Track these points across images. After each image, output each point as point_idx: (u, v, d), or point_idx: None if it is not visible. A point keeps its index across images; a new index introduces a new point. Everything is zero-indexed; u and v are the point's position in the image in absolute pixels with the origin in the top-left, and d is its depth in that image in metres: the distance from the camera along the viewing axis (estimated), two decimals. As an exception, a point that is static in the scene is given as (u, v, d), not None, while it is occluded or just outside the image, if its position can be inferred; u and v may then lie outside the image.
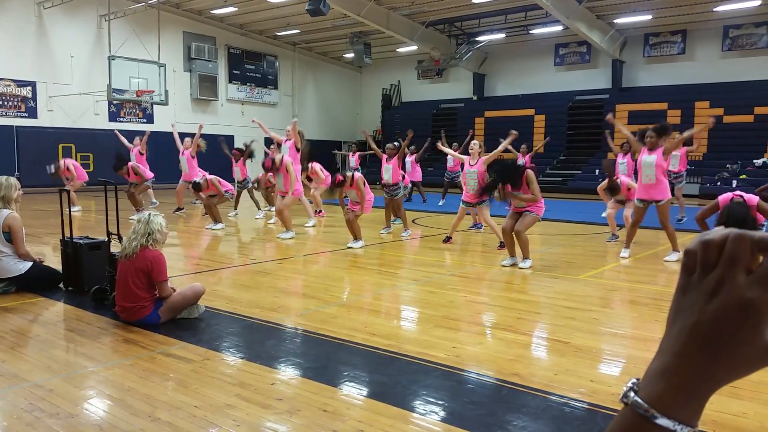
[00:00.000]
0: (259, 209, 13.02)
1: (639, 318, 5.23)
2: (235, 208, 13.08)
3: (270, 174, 10.72)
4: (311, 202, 12.76)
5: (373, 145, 11.43)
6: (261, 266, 7.47)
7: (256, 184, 13.22)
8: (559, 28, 22.25)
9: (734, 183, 17.48)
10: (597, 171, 21.11)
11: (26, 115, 19.41)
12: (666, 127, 7.56)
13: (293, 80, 28.29)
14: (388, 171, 10.12)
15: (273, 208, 13.61)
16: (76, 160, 13.97)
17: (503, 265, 7.36)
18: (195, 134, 12.98)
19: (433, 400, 3.34)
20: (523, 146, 15.11)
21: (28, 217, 9.04)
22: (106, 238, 5.91)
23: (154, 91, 19.24)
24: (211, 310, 5.07)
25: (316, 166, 12.39)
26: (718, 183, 18.18)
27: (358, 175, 8.70)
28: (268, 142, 12.57)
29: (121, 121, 21.59)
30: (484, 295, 6.13)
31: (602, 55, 23.93)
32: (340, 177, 8.62)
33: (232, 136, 24.21)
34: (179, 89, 23.02)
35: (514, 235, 7.20)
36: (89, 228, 10.41)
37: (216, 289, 5.95)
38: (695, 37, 22.36)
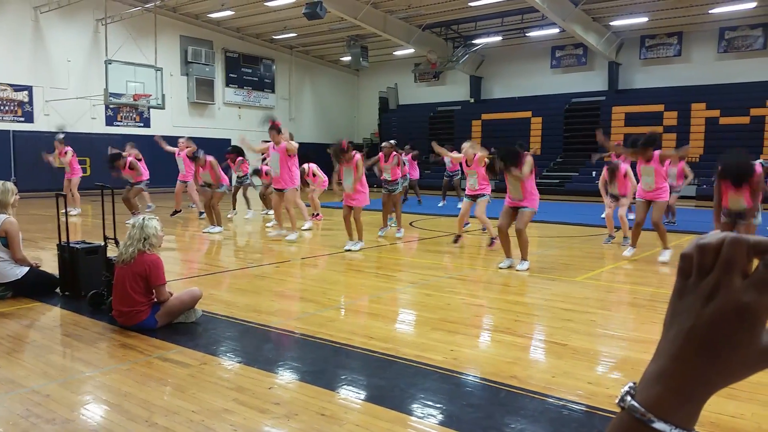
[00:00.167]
0: (249, 208, 13.03)
1: (636, 320, 5.23)
2: (234, 208, 13.09)
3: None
4: (308, 205, 12.78)
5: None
6: (258, 270, 7.46)
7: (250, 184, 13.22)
8: (556, 30, 22.30)
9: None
10: (594, 173, 21.14)
11: (23, 119, 19.37)
12: (653, 139, 7.61)
13: (290, 83, 28.30)
14: (387, 170, 10.17)
15: (270, 211, 13.66)
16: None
17: (500, 268, 7.36)
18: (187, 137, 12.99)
19: (430, 403, 3.33)
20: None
21: (24, 222, 9.02)
22: (102, 243, 5.89)
23: (151, 95, 19.24)
24: (209, 315, 5.06)
25: (313, 167, 12.39)
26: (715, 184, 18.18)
27: (358, 155, 8.69)
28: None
29: (117, 126, 21.57)
30: (481, 298, 6.13)
31: (598, 58, 23.99)
32: (345, 143, 8.68)
33: (229, 140, 24.21)
34: (176, 93, 23.01)
35: (516, 234, 7.21)
36: (86, 232, 10.40)
37: (213, 293, 5.94)
38: (691, 39, 22.44)
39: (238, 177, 13.08)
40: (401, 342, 4.47)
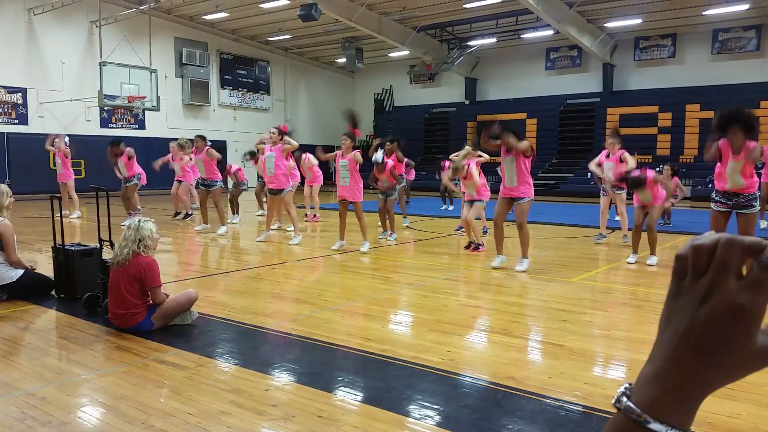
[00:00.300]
0: (236, 213, 13.03)
1: (632, 320, 5.25)
2: (237, 213, 13.05)
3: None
4: (312, 207, 12.80)
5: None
6: (254, 272, 7.45)
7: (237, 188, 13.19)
8: (550, 32, 22.37)
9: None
10: (589, 174, 21.17)
11: (17, 121, 19.31)
12: (640, 181, 7.55)
13: (285, 85, 28.29)
14: (384, 178, 10.14)
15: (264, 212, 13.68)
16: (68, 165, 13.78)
17: (493, 267, 7.39)
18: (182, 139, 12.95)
19: (427, 404, 3.34)
20: None
21: (19, 224, 9.00)
22: (98, 245, 5.88)
23: (145, 97, 19.20)
24: (205, 317, 5.06)
25: (310, 156, 12.34)
26: (710, 185, 18.30)
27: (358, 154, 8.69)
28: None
29: (112, 128, 21.52)
30: (478, 299, 6.14)
31: (593, 59, 24.06)
32: (358, 132, 8.84)
33: (224, 142, 24.19)
34: (171, 95, 22.97)
35: (517, 229, 7.22)
36: (81, 235, 10.37)
37: (209, 295, 5.94)
38: (685, 40, 22.54)
39: (234, 183, 13.06)
40: (398, 343, 4.47)
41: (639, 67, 23.65)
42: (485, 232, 10.26)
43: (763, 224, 10.93)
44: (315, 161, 12.23)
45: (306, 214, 12.66)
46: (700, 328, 0.54)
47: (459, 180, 9.81)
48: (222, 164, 12.21)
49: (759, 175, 8.55)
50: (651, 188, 7.56)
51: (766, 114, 19.87)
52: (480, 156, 10.30)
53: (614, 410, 0.59)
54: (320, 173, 12.69)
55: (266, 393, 3.47)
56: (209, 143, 10.88)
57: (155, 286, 4.65)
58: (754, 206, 6.08)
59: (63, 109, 19.95)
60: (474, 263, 7.93)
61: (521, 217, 7.17)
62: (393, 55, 26.86)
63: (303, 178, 12.64)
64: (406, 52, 25.46)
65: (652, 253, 7.72)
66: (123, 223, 11.24)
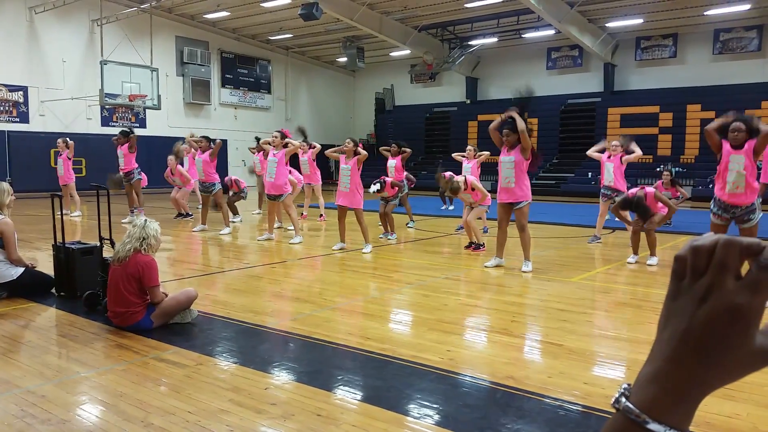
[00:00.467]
0: (236, 214, 13.04)
1: (632, 320, 5.24)
2: (237, 213, 13.06)
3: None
4: (316, 207, 12.82)
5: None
6: (254, 270, 7.45)
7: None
8: (551, 32, 22.36)
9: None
10: (590, 174, 21.20)
11: (18, 120, 19.32)
12: (644, 209, 7.52)
13: (286, 84, 28.28)
14: (385, 193, 10.16)
15: (261, 211, 13.71)
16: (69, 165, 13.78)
17: (486, 266, 7.41)
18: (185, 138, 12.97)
19: (427, 403, 3.34)
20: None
21: (20, 223, 9.00)
22: (98, 243, 5.89)
23: (146, 96, 19.21)
24: (204, 315, 5.06)
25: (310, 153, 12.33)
26: (710, 185, 18.29)
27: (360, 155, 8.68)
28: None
29: (113, 126, 21.50)
30: (477, 299, 6.14)
31: (594, 59, 24.05)
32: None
33: (226, 140, 24.20)
34: (172, 94, 22.97)
35: (519, 232, 7.23)
36: (82, 233, 10.37)
37: (209, 294, 5.94)
38: (686, 40, 22.52)
39: (234, 192, 13.05)
40: (398, 342, 4.47)
41: (640, 67, 23.64)
42: (485, 231, 10.26)
43: None
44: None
45: (321, 215, 12.66)
46: (698, 328, 0.54)
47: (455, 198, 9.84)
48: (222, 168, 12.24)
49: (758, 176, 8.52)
50: (653, 206, 7.55)
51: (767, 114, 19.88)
52: (480, 155, 10.31)
53: (613, 410, 0.59)
54: (318, 171, 12.67)
55: (266, 391, 3.47)
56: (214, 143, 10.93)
57: (153, 285, 4.65)
58: (753, 219, 5.99)
59: (64, 107, 19.96)
60: (474, 263, 7.93)
61: (522, 219, 7.19)
62: (394, 54, 26.86)
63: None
64: (407, 52, 25.45)
65: (652, 253, 7.72)
66: (124, 221, 11.24)
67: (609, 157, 9.48)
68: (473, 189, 8.79)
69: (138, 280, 4.60)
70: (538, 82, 25.55)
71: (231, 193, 12.53)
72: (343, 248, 8.81)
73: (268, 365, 3.95)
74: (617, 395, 0.58)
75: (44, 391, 3.45)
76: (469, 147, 10.61)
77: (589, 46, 22.43)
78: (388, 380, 3.68)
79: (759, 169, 8.52)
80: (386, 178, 10.12)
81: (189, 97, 23.92)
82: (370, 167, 9.97)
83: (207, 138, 11.01)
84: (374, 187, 9.70)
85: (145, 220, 4.79)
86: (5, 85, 18.96)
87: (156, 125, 22.53)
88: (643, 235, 7.74)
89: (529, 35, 23.59)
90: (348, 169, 8.56)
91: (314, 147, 12.22)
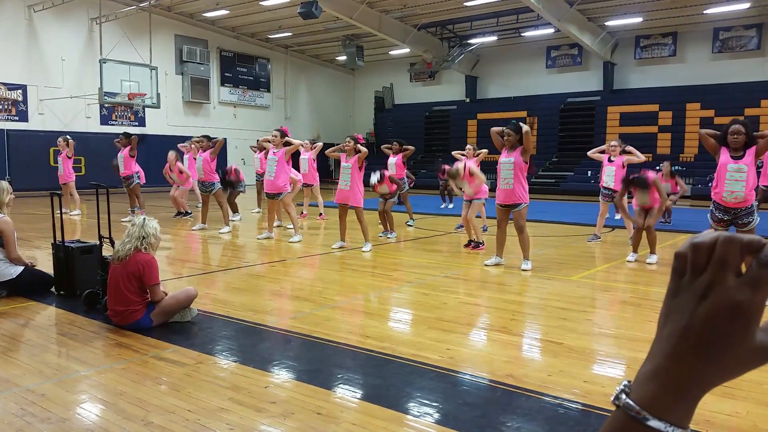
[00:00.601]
0: (236, 212, 13.02)
1: (632, 318, 5.25)
2: (236, 212, 13.05)
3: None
4: (315, 205, 12.81)
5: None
6: (254, 269, 7.45)
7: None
8: (551, 30, 22.34)
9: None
10: (589, 173, 21.20)
11: (17, 118, 19.30)
12: (644, 182, 7.53)
13: (286, 83, 28.27)
14: (383, 188, 10.14)
15: (259, 209, 13.72)
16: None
17: (486, 265, 7.41)
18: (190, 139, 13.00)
19: (427, 402, 3.34)
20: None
21: (19, 221, 8.99)
22: (98, 242, 5.88)
23: (146, 94, 19.18)
24: (204, 314, 5.06)
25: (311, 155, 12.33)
26: (710, 184, 18.26)
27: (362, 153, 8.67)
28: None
29: (112, 125, 21.51)
30: (477, 297, 6.14)
31: (594, 58, 24.04)
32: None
33: (225, 139, 24.17)
34: (171, 92, 22.96)
35: (517, 233, 7.23)
36: (81, 232, 10.37)
37: (209, 292, 5.94)
38: (686, 39, 22.51)
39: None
40: (397, 341, 4.48)
41: (639, 66, 23.63)
42: (485, 230, 10.27)
43: None
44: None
45: (320, 213, 12.65)
46: (699, 325, 0.54)
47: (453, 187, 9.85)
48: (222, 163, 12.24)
49: (758, 175, 8.52)
50: (651, 191, 7.56)
51: (767, 113, 19.88)
52: (478, 153, 10.31)
53: (613, 408, 0.59)
54: (317, 172, 12.64)
55: (265, 390, 3.47)
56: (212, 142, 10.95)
57: (153, 283, 4.65)
58: (751, 221, 5.97)
59: (63, 106, 19.95)
60: (474, 261, 7.93)
61: (520, 221, 7.18)
62: (393, 53, 26.84)
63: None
64: (407, 50, 25.43)
65: (652, 251, 7.73)
66: (123, 219, 11.23)
67: (609, 159, 9.51)
68: (471, 174, 8.82)
69: (138, 278, 4.60)
70: (538, 80, 25.56)
71: (228, 185, 12.54)
72: (343, 247, 8.81)
73: (268, 364, 3.95)
74: (617, 392, 0.58)
75: (44, 389, 3.45)
76: (468, 146, 10.61)
77: (589, 45, 22.42)
78: (388, 379, 3.68)
79: (759, 167, 8.52)
80: (386, 172, 10.12)
81: (188, 95, 23.90)
82: (371, 165, 9.96)
83: (207, 137, 11.03)
84: (374, 177, 9.72)
85: (144, 219, 4.79)
86: (4, 84, 18.95)
87: (155, 124, 22.52)
88: (643, 233, 7.75)
89: (529, 34, 23.57)
90: (349, 168, 8.56)
91: (316, 146, 12.22)
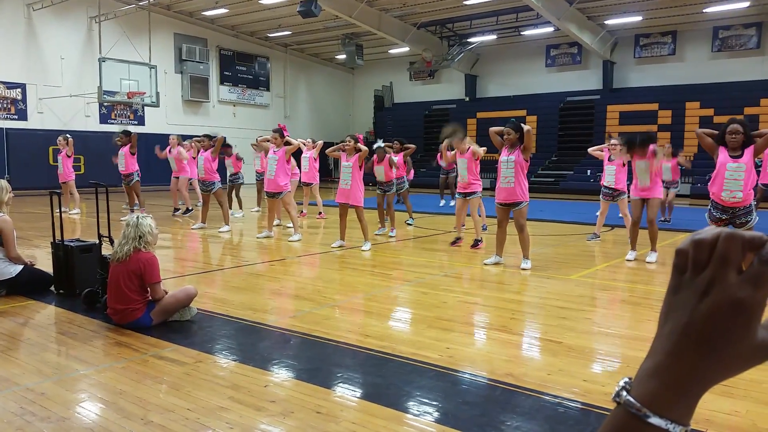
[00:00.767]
0: (240, 209, 13.00)
1: (631, 317, 5.25)
2: (240, 208, 13.04)
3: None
4: (315, 204, 12.81)
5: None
6: (253, 268, 7.45)
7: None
8: (550, 29, 22.34)
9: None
10: (588, 171, 21.20)
11: (16, 117, 19.29)
12: (650, 136, 7.58)
13: (285, 82, 28.25)
14: (380, 172, 10.15)
15: (259, 208, 13.72)
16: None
17: (485, 264, 7.41)
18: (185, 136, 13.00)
19: (426, 400, 3.34)
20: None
21: (19, 220, 8.98)
22: (97, 241, 5.88)
23: (145, 93, 19.17)
24: (204, 313, 5.06)
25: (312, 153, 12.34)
26: (709, 183, 18.23)
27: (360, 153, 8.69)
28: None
29: (112, 123, 21.50)
30: (476, 296, 6.14)
31: (593, 56, 24.04)
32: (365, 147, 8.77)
33: (225, 137, 24.15)
34: (170, 91, 22.95)
35: (517, 232, 7.23)
36: (81, 230, 10.36)
37: (208, 291, 5.94)
38: (685, 38, 22.51)
39: (230, 175, 13.08)
40: (397, 340, 4.47)
41: (639, 65, 23.63)
42: (485, 229, 10.27)
43: None
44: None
45: (320, 212, 12.64)
46: (700, 322, 0.54)
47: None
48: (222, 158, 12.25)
49: (758, 174, 8.52)
50: (651, 160, 7.50)
51: (766, 112, 19.88)
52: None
53: (613, 405, 0.59)
54: (317, 171, 12.64)
55: (265, 389, 3.47)
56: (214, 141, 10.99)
57: (155, 282, 4.65)
58: (750, 219, 5.95)
59: (62, 104, 19.93)
60: (473, 260, 7.93)
61: (521, 219, 7.18)
62: (393, 51, 26.83)
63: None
64: (406, 49, 25.42)
65: (653, 249, 7.69)
66: (123, 219, 11.27)
67: (609, 158, 9.49)
68: (469, 148, 8.77)
69: (139, 276, 4.60)
70: (537, 79, 25.55)
71: (229, 174, 12.54)
72: (343, 246, 8.81)
73: (268, 363, 3.95)
74: (618, 389, 0.58)
75: (43, 388, 3.45)
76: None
77: (588, 44, 22.42)
78: (388, 377, 3.68)
79: (758, 166, 8.52)
80: (391, 153, 10.30)
81: (187, 94, 23.89)
82: (372, 166, 9.99)
83: (208, 136, 11.03)
84: (380, 142, 9.97)
85: (137, 218, 4.77)
86: (3, 83, 18.93)
87: (154, 123, 22.50)
88: (644, 232, 7.73)
89: (528, 32, 23.57)
90: (349, 167, 8.56)
91: (317, 144, 12.23)
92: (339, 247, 8.76)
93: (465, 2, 21.13)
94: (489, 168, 14.53)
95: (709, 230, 0.56)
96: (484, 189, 9.48)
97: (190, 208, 12.98)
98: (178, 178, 13.14)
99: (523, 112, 24.87)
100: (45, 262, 6.26)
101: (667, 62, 22.99)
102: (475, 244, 8.73)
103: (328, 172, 26.84)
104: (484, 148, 10.52)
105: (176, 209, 13.11)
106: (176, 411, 3.13)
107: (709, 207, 6.21)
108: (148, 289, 4.67)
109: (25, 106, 19.47)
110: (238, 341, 4.47)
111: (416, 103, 28.74)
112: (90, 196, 7.49)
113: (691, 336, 0.55)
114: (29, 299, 5.55)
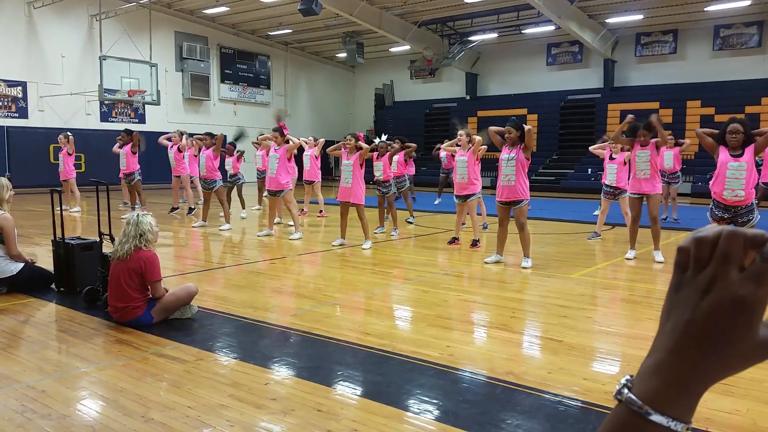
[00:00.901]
0: (243, 208, 13.00)
1: (632, 316, 5.25)
2: (243, 208, 13.03)
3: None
4: (316, 202, 12.82)
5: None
6: (254, 266, 7.45)
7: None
8: (551, 27, 22.31)
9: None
10: (589, 170, 21.19)
11: (17, 115, 19.28)
12: (635, 127, 7.58)
13: (286, 80, 28.23)
14: (379, 168, 10.14)
15: (259, 207, 13.72)
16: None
17: (486, 262, 7.41)
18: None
19: (427, 399, 3.34)
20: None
21: (19, 218, 8.99)
22: (98, 239, 5.88)
23: (145, 91, 19.16)
24: (204, 311, 5.06)
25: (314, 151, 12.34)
26: (710, 182, 18.21)
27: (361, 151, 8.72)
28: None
29: (112, 122, 21.49)
30: (477, 294, 6.14)
31: (594, 55, 24.01)
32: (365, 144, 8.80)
33: (225, 136, 24.15)
34: (171, 89, 22.93)
35: (518, 230, 7.23)
36: (81, 228, 10.37)
37: (209, 289, 5.94)
38: (686, 36, 22.48)
39: (229, 176, 13.06)
40: (397, 338, 4.48)
41: (640, 63, 23.59)
42: (485, 228, 10.27)
43: None
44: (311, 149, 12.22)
45: (321, 211, 12.64)
46: (701, 320, 0.54)
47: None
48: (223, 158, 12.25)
49: (758, 172, 8.49)
50: (653, 149, 7.47)
51: (767, 111, 19.86)
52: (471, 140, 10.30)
53: (615, 403, 0.59)
54: (319, 170, 12.62)
55: (266, 387, 3.47)
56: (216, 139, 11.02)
57: (155, 280, 4.65)
58: (751, 218, 5.95)
59: (63, 103, 19.92)
60: (474, 259, 7.93)
61: (521, 218, 7.18)
62: (394, 50, 26.80)
63: (300, 174, 12.57)
64: (407, 47, 25.40)
65: (656, 247, 7.62)
66: (123, 217, 11.28)
67: (611, 156, 9.47)
68: (469, 142, 8.66)
69: (140, 274, 4.60)
70: (538, 77, 25.52)
71: (228, 175, 12.53)
72: (343, 244, 8.81)
73: (268, 361, 3.95)
74: (619, 387, 0.58)
75: (44, 386, 3.45)
76: (460, 132, 10.59)
77: (589, 42, 22.39)
78: (388, 376, 3.69)
79: (759, 165, 8.51)
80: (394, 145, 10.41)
81: (188, 92, 23.87)
82: (372, 162, 9.98)
83: (210, 134, 11.05)
84: (384, 137, 10.07)
85: (137, 216, 4.78)
86: (4, 81, 18.92)
87: (155, 121, 22.49)
88: (646, 231, 7.71)
89: (529, 31, 23.54)
90: (350, 165, 8.56)
91: (318, 143, 12.23)
92: (340, 245, 8.77)
93: (466, 0, 21.11)
94: (489, 167, 14.49)
95: (711, 228, 0.56)
96: (484, 187, 9.46)
97: (193, 207, 12.97)
98: (179, 177, 13.15)
99: (523, 111, 24.85)
100: (46, 260, 6.26)
101: (668, 61, 22.96)
102: (474, 243, 8.72)
103: (329, 170, 26.84)
104: (479, 138, 10.47)
105: (174, 208, 13.10)
106: (177, 409, 3.14)
107: (710, 206, 6.22)
108: (149, 287, 4.67)
109: (26, 104, 19.46)
110: (239, 339, 4.48)
111: (417, 102, 28.73)
112: (91, 194, 7.50)
113: (692, 334, 0.55)
114: (30, 297, 5.55)
